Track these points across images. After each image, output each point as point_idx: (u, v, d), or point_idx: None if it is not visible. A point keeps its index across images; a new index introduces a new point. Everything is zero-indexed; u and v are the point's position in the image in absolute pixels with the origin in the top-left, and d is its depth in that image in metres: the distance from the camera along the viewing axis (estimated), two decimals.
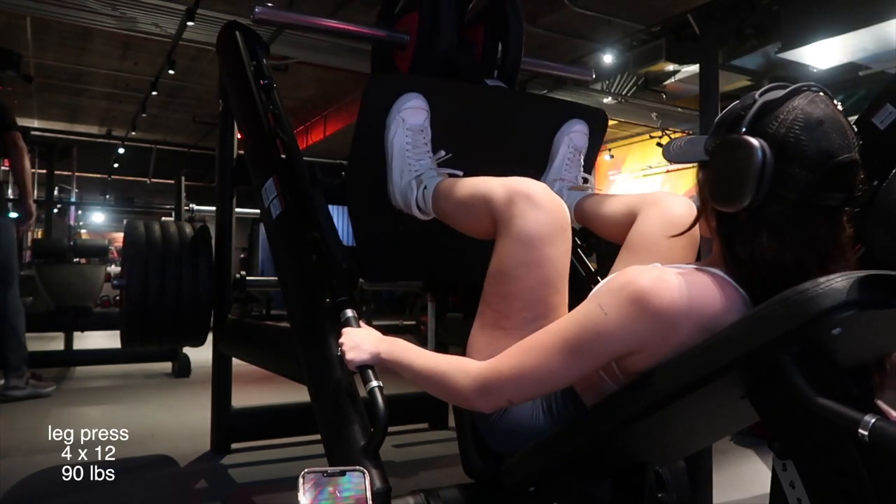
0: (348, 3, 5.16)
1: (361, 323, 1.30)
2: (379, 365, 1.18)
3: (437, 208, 1.45)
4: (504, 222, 1.16)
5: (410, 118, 1.52)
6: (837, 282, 0.76)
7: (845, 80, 6.48)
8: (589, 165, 1.79)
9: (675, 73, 7.57)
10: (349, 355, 1.18)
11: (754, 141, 0.86)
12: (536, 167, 1.74)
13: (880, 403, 0.83)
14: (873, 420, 0.70)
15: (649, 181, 11.06)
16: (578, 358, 0.92)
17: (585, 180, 1.70)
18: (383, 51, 2.09)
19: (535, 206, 1.14)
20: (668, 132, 9.57)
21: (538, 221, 1.13)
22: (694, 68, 6.68)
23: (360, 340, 1.20)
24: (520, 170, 1.44)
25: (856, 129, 0.90)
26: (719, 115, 0.95)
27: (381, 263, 1.78)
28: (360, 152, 1.60)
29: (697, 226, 1.03)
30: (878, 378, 0.87)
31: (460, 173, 1.48)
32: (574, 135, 1.72)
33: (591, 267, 1.94)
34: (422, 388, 1.12)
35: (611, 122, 10.60)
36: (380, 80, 1.66)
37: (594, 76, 2.28)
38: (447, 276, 1.57)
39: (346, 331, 1.24)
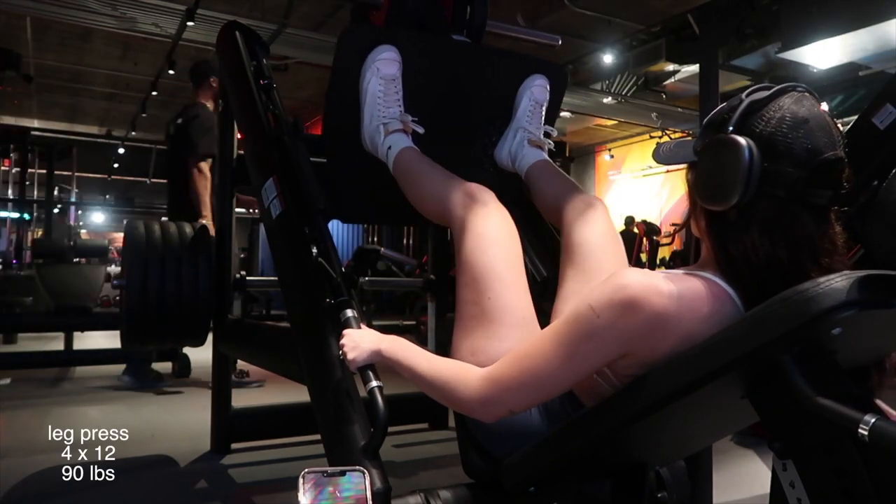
0: (348, 4, 5.16)
1: (362, 325, 1.31)
2: (379, 364, 1.19)
3: (396, 173, 1.57)
4: (458, 227, 1.34)
5: (384, 68, 1.63)
6: (837, 282, 0.76)
7: (845, 80, 6.49)
8: (550, 120, 1.90)
9: (675, 73, 7.58)
10: (350, 355, 1.19)
11: (741, 139, 0.86)
12: (500, 119, 1.84)
13: (880, 403, 0.83)
14: (873, 420, 0.70)
15: (649, 181, 11.07)
16: (575, 361, 0.93)
17: (548, 134, 1.81)
18: (360, 12, 2.13)
19: (487, 213, 1.32)
20: (668, 132, 9.58)
21: (490, 227, 1.30)
22: (694, 68, 6.69)
23: (360, 340, 1.20)
24: (484, 121, 1.81)
25: (841, 130, 0.91)
26: (707, 117, 0.96)
27: (356, 206, 1.88)
28: (336, 98, 1.70)
29: (621, 234, 1.07)
30: (877, 377, 0.88)
31: (421, 130, 1.61)
32: (535, 88, 1.81)
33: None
34: (422, 390, 1.14)
35: (611, 122, 10.63)
36: (355, 29, 1.77)
37: (560, 42, 2.33)
38: (419, 222, 1.68)
39: (346, 332, 1.24)
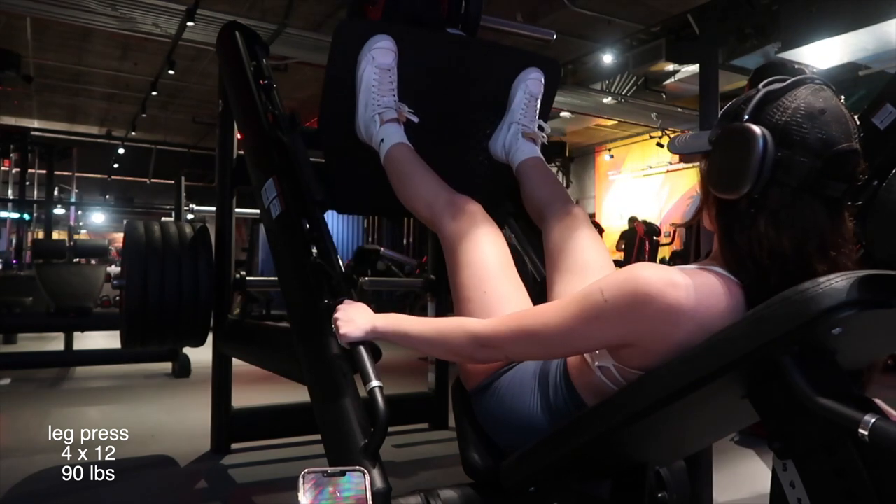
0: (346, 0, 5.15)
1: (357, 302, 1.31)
2: (377, 338, 1.21)
3: (388, 169, 1.59)
4: (440, 228, 1.41)
5: (380, 57, 1.64)
6: (837, 282, 0.76)
7: (845, 80, 6.49)
8: (545, 114, 1.91)
9: (674, 73, 7.58)
10: (343, 329, 1.20)
11: (755, 128, 0.86)
12: (494, 111, 1.85)
13: (880, 403, 0.83)
14: (873, 420, 0.70)
15: (649, 181, 11.06)
16: (573, 335, 0.95)
17: (541, 128, 1.82)
18: (357, 6, 2.13)
19: (470, 217, 1.39)
20: (667, 132, 9.57)
21: (471, 230, 1.36)
22: (694, 68, 6.68)
23: (355, 315, 1.22)
24: (479, 112, 1.84)
25: (858, 122, 0.90)
26: (724, 108, 0.96)
27: (352, 196, 1.89)
28: (332, 90, 1.71)
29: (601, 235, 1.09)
30: (868, 376, 0.89)
31: (416, 119, 1.63)
32: (530, 82, 1.83)
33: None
34: (421, 351, 1.17)
35: (611, 122, 10.62)
36: (351, 23, 1.80)
37: (554, 36, 2.34)
38: (411, 214, 1.69)
39: (341, 306, 1.25)
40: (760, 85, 0.92)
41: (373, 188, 1.76)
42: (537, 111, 1.84)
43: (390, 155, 1.58)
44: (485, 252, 1.32)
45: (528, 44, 2.43)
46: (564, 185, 8.89)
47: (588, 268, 1.34)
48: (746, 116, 0.89)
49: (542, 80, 1.85)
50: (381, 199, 1.77)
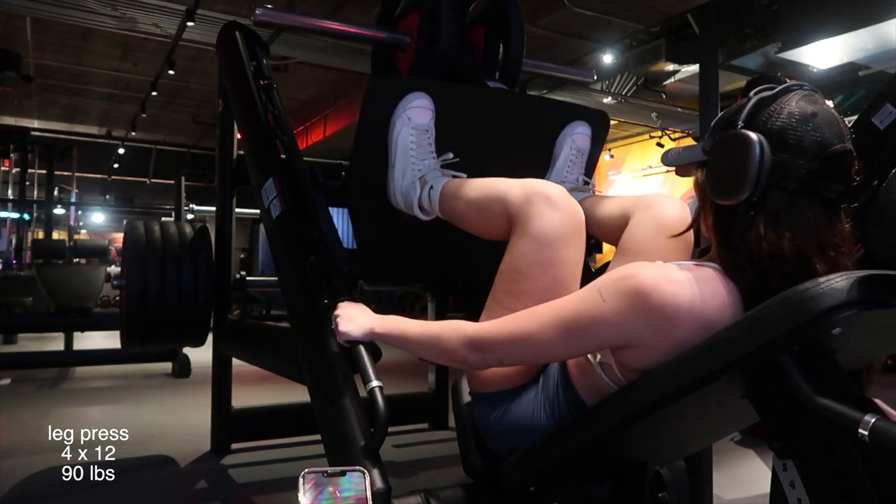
0: (348, 3, 5.16)
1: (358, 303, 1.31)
2: (375, 339, 1.21)
3: (445, 209, 1.43)
4: (521, 221, 1.17)
5: (416, 117, 1.52)
6: (837, 282, 0.76)
7: (845, 80, 6.48)
8: (590, 168, 1.79)
9: (674, 73, 7.57)
10: (343, 327, 1.20)
11: (751, 134, 0.87)
12: (539, 169, 1.73)
13: (880, 403, 0.83)
14: (873, 420, 0.70)
15: (649, 181, 11.06)
16: (571, 338, 0.94)
17: (586, 182, 1.71)
18: (383, 52, 2.09)
19: (554, 206, 1.15)
20: (667, 132, 9.57)
21: (556, 222, 1.14)
22: (694, 68, 6.67)
23: (356, 315, 1.22)
24: (522, 172, 1.42)
25: (849, 125, 0.91)
26: (716, 118, 0.97)
27: (382, 265, 1.77)
28: (362, 152, 1.59)
29: (692, 230, 1.04)
30: (867, 374, 0.89)
31: (464, 175, 1.46)
32: (577, 136, 1.74)
33: (591, 267, 1.95)
34: (417, 354, 1.14)
35: (611, 122, 10.63)
36: (384, 80, 1.66)
37: (595, 77, 2.27)
38: (447, 280, 1.57)
39: (341, 304, 1.25)
40: (751, 93, 0.93)
41: (406, 257, 1.68)
42: (584, 168, 1.74)
43: (445, 192, 1.42)
44: (550, 252, 1.14)
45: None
46: None
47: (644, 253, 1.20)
48: (741, 123, 0.90)
49: (590, 134, 1.75)
50: (415, 267, 1.67)
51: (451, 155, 1.52)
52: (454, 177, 1.47)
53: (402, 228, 1.57)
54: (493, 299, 1.20)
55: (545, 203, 1.16)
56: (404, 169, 1.51)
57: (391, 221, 1.59)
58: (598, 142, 1.81)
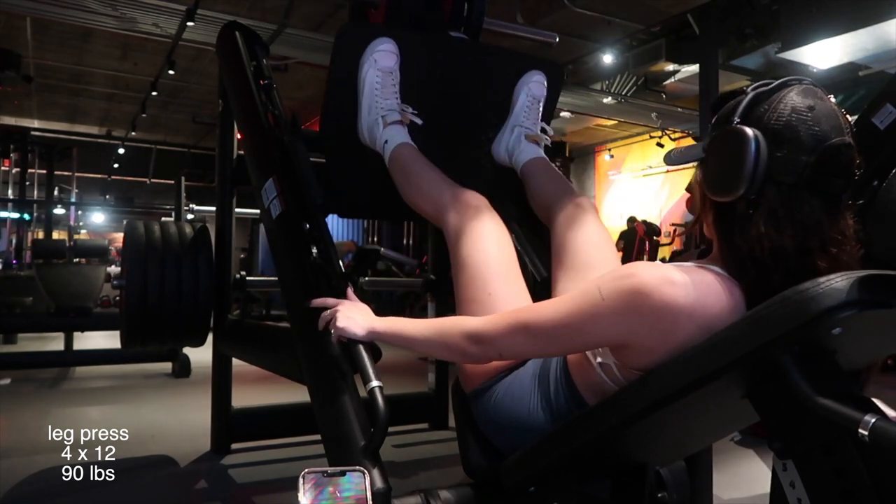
0: (347, 2, 5.16)
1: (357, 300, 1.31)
2: (375, 338, 1.21)
3: (391, 167, 1.59)
4: (455, 232, 1.37)
5: (382, 60, 1.65)
6: (837, 282, 0.76)
7: (845, 80, 6.49)
8: (547, 116, 1.91)
9: (674, 73, 7.57)
10: (341, 323, 1.20)
11: (747, 129, 0.87)
12: (497, 115, 1.86)
13: (880, 403, 0.83)
14: (873, 420, 0.70)
15: (649, 181, 11.06)
16: (569, 333, 0.95)
17: (544, 130, 1.82)
18: (359, 10, 2.13)
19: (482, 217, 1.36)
20: (668, 132, 9.57)
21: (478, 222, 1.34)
22: (694, 68, 6.68)
23: (356, 314, 1.22)
24: (482, 116, 1.83)
25: (849, 118, 0.91)
26: (716, 115, 0.97)
27: (354, 200, 1.90)
28: (334, 92, 1.72)
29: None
30: (866, 374, 0.89)
31: (420, 121, 1.64)
32: (533, 84, 1.83)
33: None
34: (419, 352, 1.18)
35: (611, 122, 10.61)
36: (353, 26, 1.80)
37: (557, 40, 2.33)
38: (416, 218, 1.67)
39: (343, 302, 1.26)
40: (749, 88, 0.93)
41: (375, 192, 1.76)
42: (540, 114, 1.84)
43: (394, 155, 1.59)
44: (490, 250, 1.31)
45: (529, 46, 2.43)
46: None
47: (592, 266, 1.32)
48: (737, 119, 0.90)
49: (545, 83, 1.85)
50: (383, 203, 1.78)
51: (410, 109, 1.65)
52: (412, 125, 1.64)
53: (372, 164, 1.66)
54: (459, 301, 1.31)
55: (475, 214, 1.36)
56: (370, 106, 1.65)
57: (362, 158, 1.71)
58: (554, 91, 1.92)
